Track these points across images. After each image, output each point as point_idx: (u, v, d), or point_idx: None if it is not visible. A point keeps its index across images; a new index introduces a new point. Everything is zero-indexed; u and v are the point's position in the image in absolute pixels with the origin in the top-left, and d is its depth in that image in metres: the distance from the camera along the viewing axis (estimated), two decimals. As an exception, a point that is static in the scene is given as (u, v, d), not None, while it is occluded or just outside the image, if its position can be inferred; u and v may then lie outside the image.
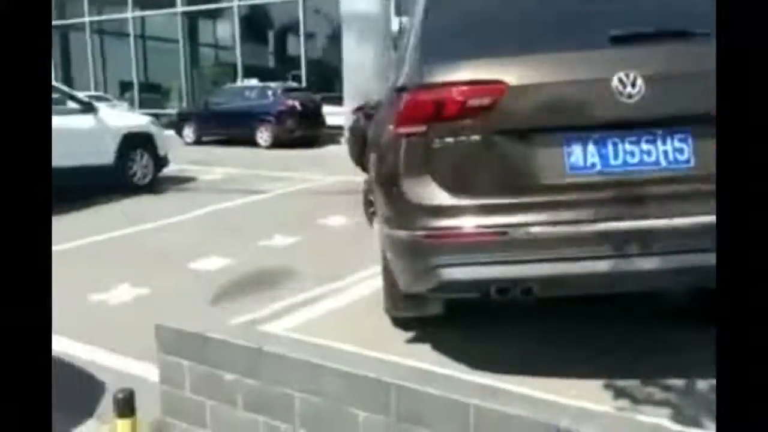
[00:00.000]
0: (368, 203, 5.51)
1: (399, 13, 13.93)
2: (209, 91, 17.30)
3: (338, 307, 3.86)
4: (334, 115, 15.38)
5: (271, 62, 17.88)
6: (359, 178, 9.15)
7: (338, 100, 15.60)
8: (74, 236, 5.56)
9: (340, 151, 14.39)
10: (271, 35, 18.74)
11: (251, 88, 15.67)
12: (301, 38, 16.45)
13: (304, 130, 14.63)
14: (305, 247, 5.35)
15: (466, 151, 2.46)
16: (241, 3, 17.11)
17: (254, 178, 9.35)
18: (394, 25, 13.96)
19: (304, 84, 16.44)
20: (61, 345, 3.15)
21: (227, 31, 18.78)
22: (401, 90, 2.67)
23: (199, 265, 4.80)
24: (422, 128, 2.46)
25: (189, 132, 15.40)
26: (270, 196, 7.94)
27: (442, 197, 2.47)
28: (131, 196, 7.70)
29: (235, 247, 5.28)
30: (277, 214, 6.84)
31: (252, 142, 14.58)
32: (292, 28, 17.34)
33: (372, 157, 3.16)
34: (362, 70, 14.55)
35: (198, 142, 15.26)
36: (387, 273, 3.00)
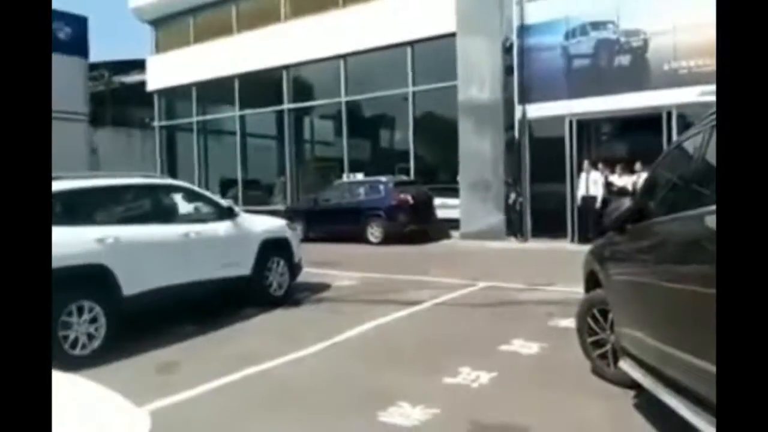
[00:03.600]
0: (588, 331, 4.38)
1: (522, 101, 13.21)
2: (315, 186, 16.96)
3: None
4: (445, 208, 14.66)
5: (373, 156, 17.49)
6: (507, 284, 8.08)
7: (448, 192, 14.86)
8: (230, 366, 4.72)
9: (457, 246, 13.57)
10: (375, 128, 18.46)
11: (362, 183, 15.16)
12: (410, 130, 15.97)
13: (415, 225, 14.03)
14: (511, 390, 4.24)
15: None
16: (348, 98, 16.96)
17: (393, 285, 8.44)
18: (518, 114, 13.24)
19: (412, 176, 15.82)
20: None
21: (329, 125, 18.65)
22: None
23: (390, 417, 3.77)
24: None
25: (297, 229, 14.87)
26: (424, 309, 6.92)
27: None
28: (268, 309, 6.86)
29: (420, 387, 4.24)
30: (444, 335, 5.80)
31: (361, 239, 13.96)
32: (397, 120, 16.96)
33: None
34: (479, 160, 13.82)
35: (306, 239, 14.66)
36: None
